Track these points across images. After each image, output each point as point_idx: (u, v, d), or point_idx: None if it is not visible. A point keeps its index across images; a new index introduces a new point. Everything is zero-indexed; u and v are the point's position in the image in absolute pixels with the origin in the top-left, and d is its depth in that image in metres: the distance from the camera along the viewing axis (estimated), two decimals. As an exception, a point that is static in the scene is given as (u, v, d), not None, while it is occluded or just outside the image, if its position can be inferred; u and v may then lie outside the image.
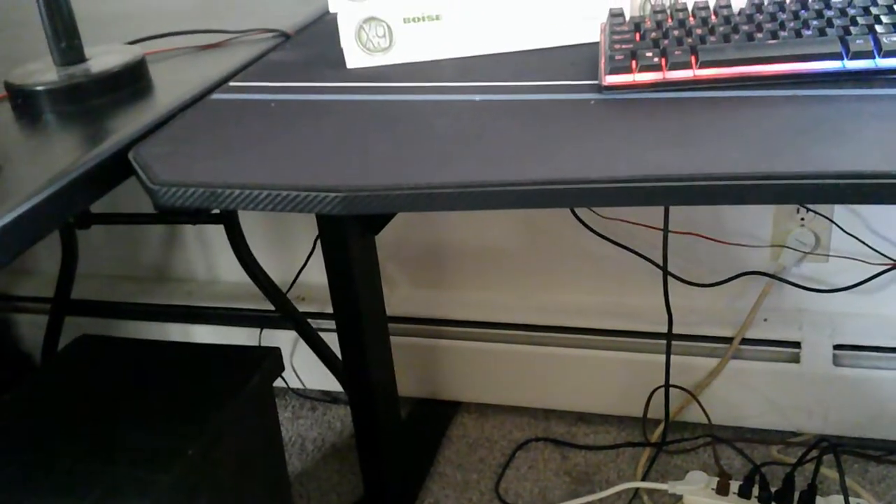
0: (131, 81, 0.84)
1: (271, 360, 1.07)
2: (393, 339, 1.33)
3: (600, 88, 0.72)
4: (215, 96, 0.82)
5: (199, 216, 1.21)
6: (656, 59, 0.71)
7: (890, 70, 0.68)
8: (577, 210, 1.35)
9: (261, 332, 1.57)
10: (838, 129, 0.62)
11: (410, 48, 0.85)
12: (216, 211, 1.23)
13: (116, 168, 0.70)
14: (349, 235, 1.09)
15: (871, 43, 0.68)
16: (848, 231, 1.29)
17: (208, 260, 1.64)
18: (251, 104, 0.78)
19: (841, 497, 1.20)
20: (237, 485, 1.03)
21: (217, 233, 1.57)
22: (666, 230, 1.27)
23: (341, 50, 0.86)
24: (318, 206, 0.60)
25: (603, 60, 0.74)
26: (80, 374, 1.09)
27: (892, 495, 1.30)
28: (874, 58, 0.68)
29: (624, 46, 0.74)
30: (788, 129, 0.63)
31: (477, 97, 0.75)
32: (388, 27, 0.84)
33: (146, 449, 0.93)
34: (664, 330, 1.33)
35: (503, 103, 0.73)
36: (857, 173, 0.57)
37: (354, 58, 0.86)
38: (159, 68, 0.89)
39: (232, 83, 0.85)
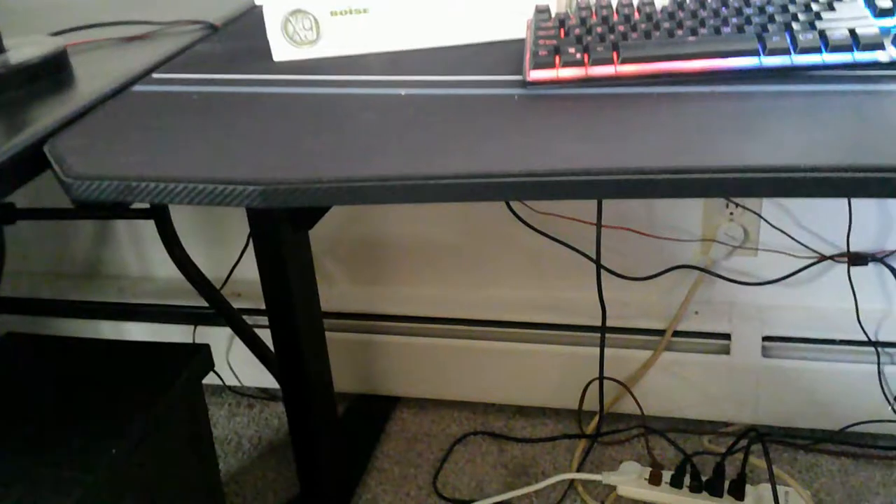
0: (51, 73, 0.83)
1: (200, 357, 1.05)
2: (329, 334, 1.32)
3: (524, 84, 0.73)
4: (137, 88, 0.80)
5: (126, 211, 1.18)
6: (579, 55, 0.72)
7: (805, 67, 0.69)
8: (512, 205, 1.36)
9: (195, 329, 1.54)
10: (755, 124, 0.63)
11: (338, 41, 0.84)
12: (144, 205, 1.21)
13: (32, 161, 0.68)
14: (281, 230, 1.08)
15: (788, 40, 0.70)
16: (775, 225, 1.32)
17: (140, 256, 1.61)
18: (173, 96, 0.77)
19: (769, 485, 1.23)
20: (163, 484, 1.02)
21: (149, 228, 1.55)
22: (599, 225, 1.28)
23: (269, 42, 0.85)
24: (236, 199, 0.60)
25: (527, 56, 0.75)
26: (4, 372, 1.06)
27: (821, 483, 1.33)
28: (790, 54, 0.69)
29: (548, 42, 0.74)
30: (706, 125, 0.64)
31: (403, 91, 0.75)
32: (315, 20, 0.83)
33: (70, 448, 0.91)
34: (598, 323, 1.35)
35: (428, 97, 0.73)
36: (773, 167, 0.58)
37: (281, 51, 0.85)
38: (81, 60, 0.88)
39: (155, 75, 0.83)
